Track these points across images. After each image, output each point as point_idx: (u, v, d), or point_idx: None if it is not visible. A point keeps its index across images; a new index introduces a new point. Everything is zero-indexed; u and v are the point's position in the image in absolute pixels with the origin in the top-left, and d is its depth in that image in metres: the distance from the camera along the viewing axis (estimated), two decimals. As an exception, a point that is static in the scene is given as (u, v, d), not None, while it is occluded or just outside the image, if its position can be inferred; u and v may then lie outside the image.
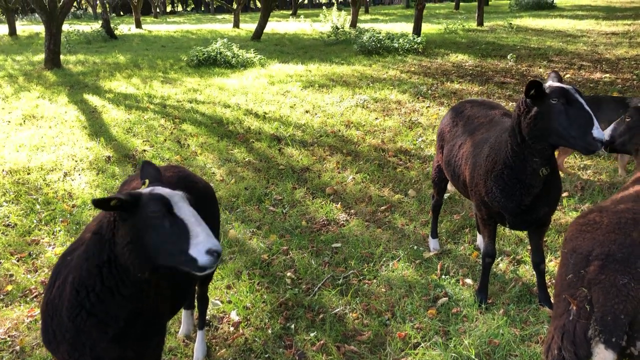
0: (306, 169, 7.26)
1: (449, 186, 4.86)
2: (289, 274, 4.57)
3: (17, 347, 3.78)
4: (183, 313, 3.92)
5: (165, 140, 8.65)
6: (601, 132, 3.07)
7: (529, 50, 17.41)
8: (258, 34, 22.96)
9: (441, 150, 4.51)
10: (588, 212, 2.44)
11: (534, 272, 4.01)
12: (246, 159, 7.65)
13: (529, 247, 4.60)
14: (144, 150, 8.15)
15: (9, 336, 3.90)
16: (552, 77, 3.56)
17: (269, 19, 26.08)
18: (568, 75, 13.13)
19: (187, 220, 2.21)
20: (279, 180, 6.83)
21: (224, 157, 7.74)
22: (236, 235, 5.27)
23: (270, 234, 5.31)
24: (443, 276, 4.40)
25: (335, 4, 32.10)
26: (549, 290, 3.95)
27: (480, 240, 4.82)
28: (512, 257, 4.65)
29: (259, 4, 29.32)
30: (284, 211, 5.90)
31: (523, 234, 4.92)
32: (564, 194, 5.99)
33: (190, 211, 2.25)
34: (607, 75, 13.01)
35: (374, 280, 4.43)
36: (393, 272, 4.53)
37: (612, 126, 3.48)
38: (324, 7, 26.21)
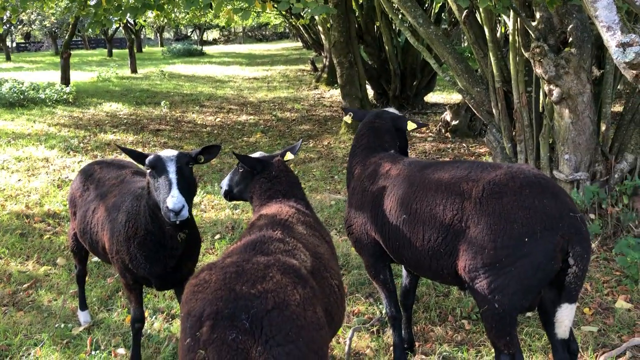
0: None
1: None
2: None
3: None
4: None
5: None
6: (176, 203, 3.03)
7: (182, 96, 18.13)
8: None
9: (75, 217, 4.18)
10: (200, 271, 2.49)
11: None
12: None
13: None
14: None
15: None
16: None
17: None
18: (219, 119, 14.05)
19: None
20: None
21: None
22: None
23: None
24: (93, 352, 4.05)
25: (-34, 51, 28.04)
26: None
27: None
28: (166, 312, 4.58)
29: None
30: None
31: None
32: (217, 237, 6.27)
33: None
34: (252, 117, 14.40)
35: (11, 378, 3.82)
36: (35, 361, 3.98)
37: (228, 176, 3.74)
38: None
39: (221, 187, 3.82)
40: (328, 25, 14.15)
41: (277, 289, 2.30)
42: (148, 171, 3.25)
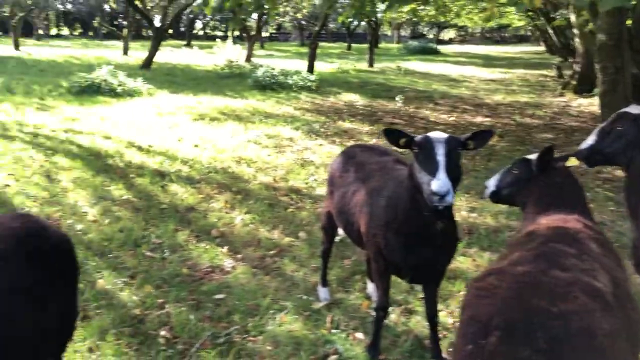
0: (191, 208, 6.77)
1: (340, 230, 4.61)
2: (163, 332, 4.05)
3: None
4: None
5: (33, 174, 7.77)
6: (442, 186, 2.81)
7: (416, 92, 18.15)
8: (148, 62, 22.15)
9: (332, 196, 4.27)
10: (486, 274, 2.26)
11: (426, 325, 3.83)
12: (124, 197, 7.01)
13: (420, 296, 4.46)
14: (7, 185, 7.25)
15: None
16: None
17: (161, 48, 25.28)
18: (452, 118, 13.71)
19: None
20: (160, 221, 6.28)
21: (99, 194, 7.04)
22: (105, 286, 4.67)
23: (145, 285, 4.75)
24: (333, 330, 4.11)
25: (231, 37, 31.98)
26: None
27: (371, 287, 4.60)
28: (403, 307, 4.46)
29: (150, 32, 28.31)
30: (163, 257, 5.36)
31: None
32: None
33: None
34: (488, 119, 13.76)
35: (260, 337, 4.04)
36: (280, 326, 4.17)
37: (497, 176, 3.41)
38: (218, 39, 25.90)
39: (487, 187, 3.53)
40: (590, 26, 12.82)
41: (582, 312, 1.96)
42: (414, 151, 3.10)
